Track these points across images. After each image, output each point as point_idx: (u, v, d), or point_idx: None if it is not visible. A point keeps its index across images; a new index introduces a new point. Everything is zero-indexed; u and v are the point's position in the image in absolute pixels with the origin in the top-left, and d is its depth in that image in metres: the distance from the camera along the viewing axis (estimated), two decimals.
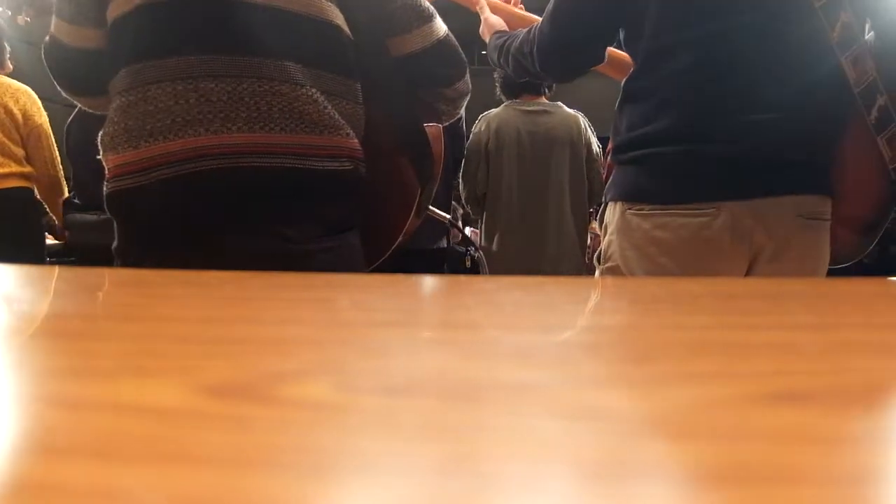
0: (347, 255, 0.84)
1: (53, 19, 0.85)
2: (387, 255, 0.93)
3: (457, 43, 0.93)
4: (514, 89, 2.29)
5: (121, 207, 0.80)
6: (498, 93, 2.35)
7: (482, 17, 1.30)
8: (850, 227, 1.01)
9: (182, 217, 0.77)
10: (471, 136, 2.32)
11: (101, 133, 0.80)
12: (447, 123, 1.00)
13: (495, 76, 2.33)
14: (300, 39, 0.80)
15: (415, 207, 0.92)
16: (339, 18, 0.83)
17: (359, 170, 0.85)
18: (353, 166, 0.83)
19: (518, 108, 2.27)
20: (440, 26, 0.91)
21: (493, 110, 2.32)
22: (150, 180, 0.75)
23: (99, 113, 0.92)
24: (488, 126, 2.26)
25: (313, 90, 0.80)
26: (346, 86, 0.84)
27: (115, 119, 0.78)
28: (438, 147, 0.98)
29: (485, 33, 1.28)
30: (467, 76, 0.96)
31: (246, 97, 0.76)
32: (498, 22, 1.27)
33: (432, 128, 0.97)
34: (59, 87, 0.92)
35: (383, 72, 0.90)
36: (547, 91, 2.32)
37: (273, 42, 0.78)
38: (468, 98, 0.99)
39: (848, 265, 1.05)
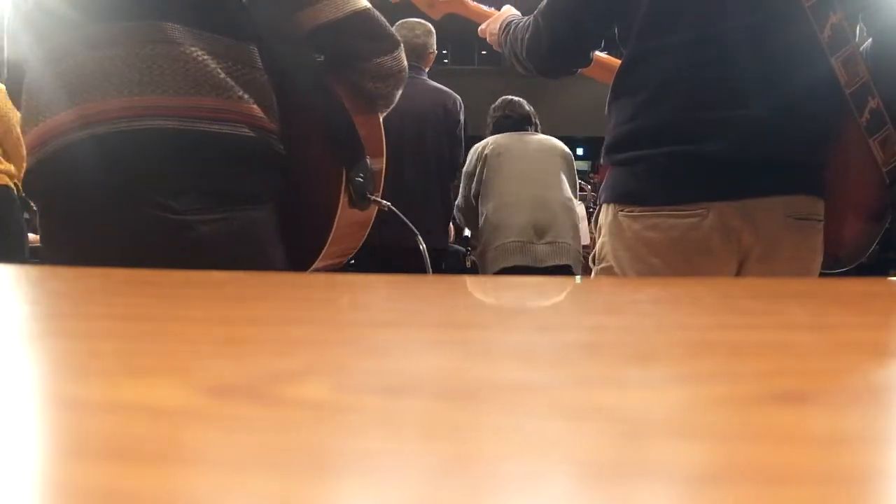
0: (240, 231, 0.78)
1: None
2: (326, 243, 0.86)
3: (381, 18, 0.86)
4: (503, 130, 2.49)
5: (29, 190, 0.83)
6: (489, 133, 2.50)
7: (493, 17, 1.27)
8: (858, 214, 1.01)
9: (72, 192, 0.76)
10: (468, 156, 2.45)
11: None
12: (385, 111, 0.94)
13: (488, 119, 2.56)
14: (178, 1, 0.78)
15: (343, 191, 0.85)
16: None
17: (268, 141, 0.80)
18: (257, 135, 0.79)
19: (511, 134, 2.46)
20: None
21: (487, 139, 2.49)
22: (45, 155, 0.76)
23: None
24: (486, 144, 2.43)
25: (194, 49, 0.76)
26: (236, 49, 0.79)
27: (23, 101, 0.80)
28: (377, 133, 0.92)
29: (495, 23, 1.24)
30: (397, 53, 0.88)
31: (118, 62, 0.74)
32: (508, 10, 1.25)
33: (367, 112, 0.92)
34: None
35: (286, 45, 0.85)
36: (537, 131, 2.55)
37: (149, 4, 0.77)
38: (402, 80, 0.91)
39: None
